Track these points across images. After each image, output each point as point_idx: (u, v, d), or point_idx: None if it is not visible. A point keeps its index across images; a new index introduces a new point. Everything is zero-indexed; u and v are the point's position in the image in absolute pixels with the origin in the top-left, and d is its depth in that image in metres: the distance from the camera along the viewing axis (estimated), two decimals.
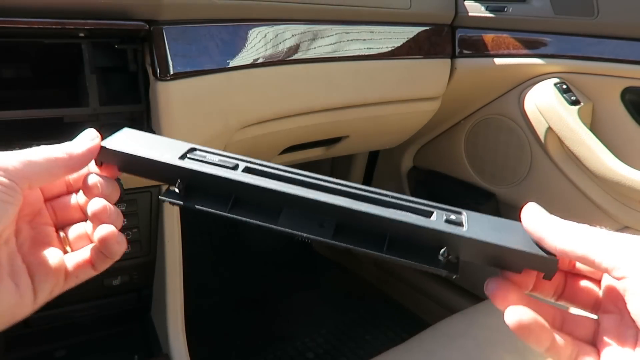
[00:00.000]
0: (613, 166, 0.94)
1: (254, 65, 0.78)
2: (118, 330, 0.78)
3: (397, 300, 1.51)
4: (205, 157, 0.34)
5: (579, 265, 0.32)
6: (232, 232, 1.67)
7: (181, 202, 0.33)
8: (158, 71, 0.65)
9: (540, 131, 1.04)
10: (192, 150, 0.34)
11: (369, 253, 0.31)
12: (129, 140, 0.35)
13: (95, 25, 0.61)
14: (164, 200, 0.34)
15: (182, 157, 0.33)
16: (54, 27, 0.59)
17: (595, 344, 0.30)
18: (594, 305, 0.31)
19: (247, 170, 0.33)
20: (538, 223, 0.30)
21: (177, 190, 0.33)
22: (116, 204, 0.63)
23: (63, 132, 0.66)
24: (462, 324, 0.82)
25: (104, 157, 0.34)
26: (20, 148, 0.34)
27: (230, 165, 0.33)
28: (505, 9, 1.05)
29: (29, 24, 0.57)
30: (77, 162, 0.33)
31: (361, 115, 1.00)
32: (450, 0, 1.07)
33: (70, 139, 0.34)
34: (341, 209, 0.31)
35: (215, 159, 0.34)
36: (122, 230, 0.73)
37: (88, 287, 0.73)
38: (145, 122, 0.68)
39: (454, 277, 0.31)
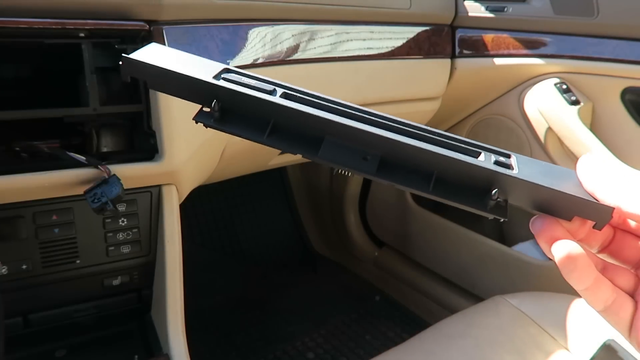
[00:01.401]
0: None
1: (254, 65, 0.78)
2: (118, 330, 0.78)
3: (397, 300, 1.51)
4: (240, 79, 0.31)
5: (630, 221, 0.31)
6: (232, 232, 1.68)
7: (216, 125, 0.30)
8: None
9: (540, 131, 1.04)
10: (227, 70, 0.32)
11: (414, 191, 0.30)
12: (159, 55, 0.32)
13: (95, 25, 0.61)
14: (197, 122, 0.31)
15: (217, 76, 0.31)
16: (54, 27, 0.59)
17: (634, 296, 0.30)
18: (638, 262, 0.31)
19: (285, 96, 0.31)
20: (594, 174, 0.29)
21: (211, 111, 0.30)
22: (116, 204, 0.63)
23: (63, 132, 0.66)
24: (462, 324, 0.82)
25: (132, 70, 0.31)
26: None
27: (268, 89, 0.30)
28: (505, 9, 1.05)
29: (29, 24, 0.57)
30: None
31: None
32: (450, 0, 1.07)
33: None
34: (388, 141, 0.29)
35: (252, 82, 0.31)
36: (122, 230, 0.74)
37: (88, 287, 0.73)
38: (145, 122, 0.68)
39: (502, 220, 0.29)
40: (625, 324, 0.29)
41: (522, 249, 1.18)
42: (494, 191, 0.29)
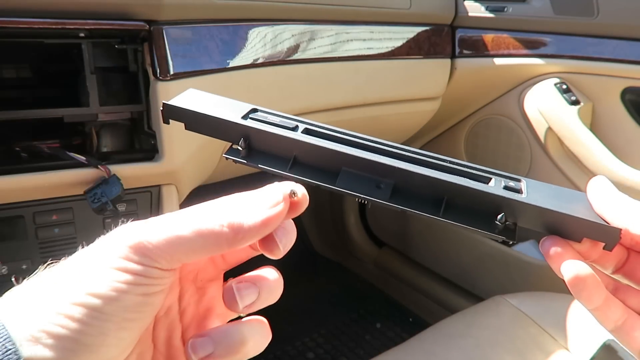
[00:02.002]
0: (613, 166, 0.94)
1: (254, 65, 0.78)
2: None
3: (397, 300, 1.51)
4: (266, 117, 0.34)
5: None
6: None
7: (244, 161, 0.33)
8: (158, 71, 0.65)
9: (540, 131, 1.04)
10: (254, 110, 0.35)
11: (425, 216, 0.31)
12: (195, 100, 0.35)
13: (95, 25, 0.61)
14: (227, 158, 0.34)
15: (245, 116, 0.34)
16: (54, 27, 0.59)
17: None
18: None
19: (306, 131, 0.33)
20: (604, 196, 0.30)
21: (240, 148, 0.33)
22: (116, 204, 0.63)
23: (63, 132, 0.66)
24: (462, 324, 0.83)
25: (171, 114, 0.34)
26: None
27: (291, 126, 0.33)
28: (505, 9, 1.05)
29: (29, 24, 0.57)
30: (245, 238, 0.26)
31: (361, 115, 1.00)
32: (450, 0, 1.07)
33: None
34: (399, 170, 0.31)
35: (276, 119, 0.34)
36: None
37: None
38: (145, 122, 0.68)
39: (510, 243, 0.31)
40: (636, 344, 0.29)
41: (522, 249, 1.18)
42: (499, 215, 0.30)
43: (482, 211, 0.31)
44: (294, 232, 0.28)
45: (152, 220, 0.26)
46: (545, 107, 1.02)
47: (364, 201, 0.32)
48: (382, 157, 0.32)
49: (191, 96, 0.35)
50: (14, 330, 0.22)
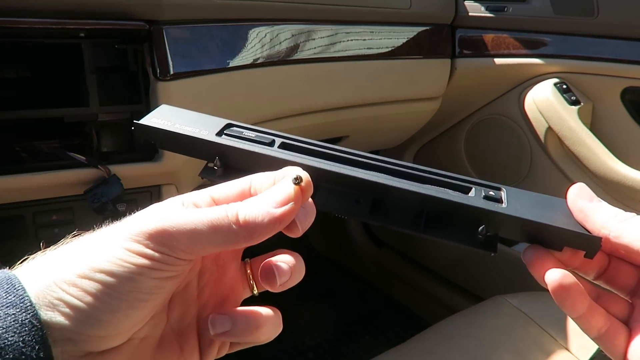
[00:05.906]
0: (613, 166, 0.94)
1: (254, 65, 0.78)
2: None
3: (397, 300, 1.51)
4: (241, 133, 0.33)
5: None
6: None
7: (220, 180, 0.32)
8: (158, 71, 0.65)
9: (540, 131, 1.04)
10: (229, 126, 0.33)
11: (406, 231, 0.31)
12: (167, 117, 0.34)
13: (95, 25, 0.61)
14: (203, 177, 0.33)
15: (219, 133, 0.32)
16: (54, 27, 0.59)
17: (628, 324, 0.30)
18: (633, 290, 0.31)
19: (283, 146, 0.32)
20: (584, 203, 0.30)
21: (215, 167, 0.32)
22: (116, 204, 0.63)
23: (63, 132, 0.66)
24: (462, 324, 0.83)
25: (143, 134, 0.34)
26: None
27: (267, 141, 0.32)
28: (505, 9, 1.05)
29: (30, 24, 0.57)
30: (262, 235, 0.27)
31: (361, 115, 1.00)
32: (450, 0, 1.07)
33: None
34: (378, 185, 0.31)
35: (252, 134, 0.33)
36: None
37: None
38: None
39: (492, 254, 0.31)
40: (619, 351, 0.29)
41: (522, 249, 1.18)
42: (480, 228, 0.30)
43: (463, 222, 0.31)
44: (313, 212, 0.29)
45: (173, 208, 0.27)
46: (545, 107, 1.02)
47: (344, 217, 0.32)
48: (360, 171, 0.31)
49: (163, 113, 0.34)
50: (34, 293, 0.24)
